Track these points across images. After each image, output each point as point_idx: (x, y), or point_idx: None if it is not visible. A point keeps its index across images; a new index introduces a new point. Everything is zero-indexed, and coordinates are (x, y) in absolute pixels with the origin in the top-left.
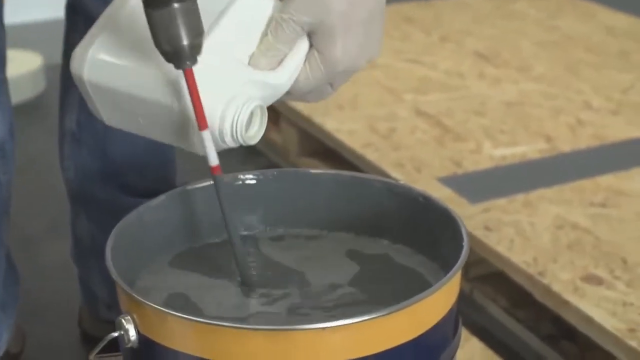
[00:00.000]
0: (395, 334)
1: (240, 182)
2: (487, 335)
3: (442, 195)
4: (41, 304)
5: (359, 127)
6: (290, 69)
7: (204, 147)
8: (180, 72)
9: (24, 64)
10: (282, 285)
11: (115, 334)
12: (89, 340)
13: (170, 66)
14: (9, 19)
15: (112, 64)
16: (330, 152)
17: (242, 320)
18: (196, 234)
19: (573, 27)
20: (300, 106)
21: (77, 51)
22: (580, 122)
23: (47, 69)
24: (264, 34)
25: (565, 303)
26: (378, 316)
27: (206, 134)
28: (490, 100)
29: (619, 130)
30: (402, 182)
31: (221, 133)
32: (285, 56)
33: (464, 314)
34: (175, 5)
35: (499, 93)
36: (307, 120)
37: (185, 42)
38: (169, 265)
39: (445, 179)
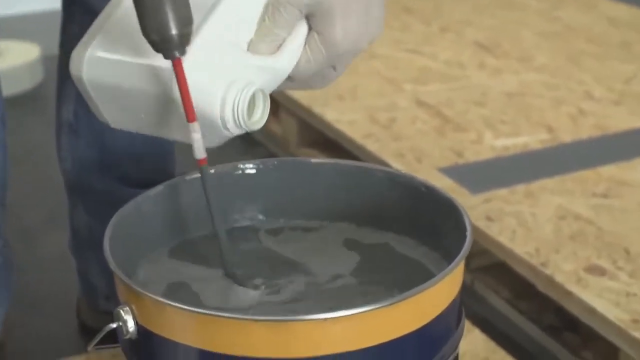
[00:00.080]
0: (398, 325)
1: (240, 172)
2: (489, 327)
3: (443, 185)
4: (39, 295)
5: (359, 117)
6: (290, 52)
7: (191, 139)
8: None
9: (21, 55)
10: (284, 276)
11: (114, 325)
12: (87, 332)
13: None
14: (7, 10)
15: (110, 61)
16: (330, 143)
17: (242, 311)
18: (195, 225)
19: (574, 17)
20: (300, 96)
21: (75, 52)
22: (582, 113)
23: (44, 60)
24: (262, 19)
25: (568, 294)
26: (380, 307)
27: (194, 126)
28: (491, 90)
29: (621, 121)
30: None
31: (223, 119)
32: (284, 40)
33: (466, 305)
34: None
35: (500, 83)
36: (307, 111)
37: (174, 31)
38: (168, 256)
39: (446, 169)
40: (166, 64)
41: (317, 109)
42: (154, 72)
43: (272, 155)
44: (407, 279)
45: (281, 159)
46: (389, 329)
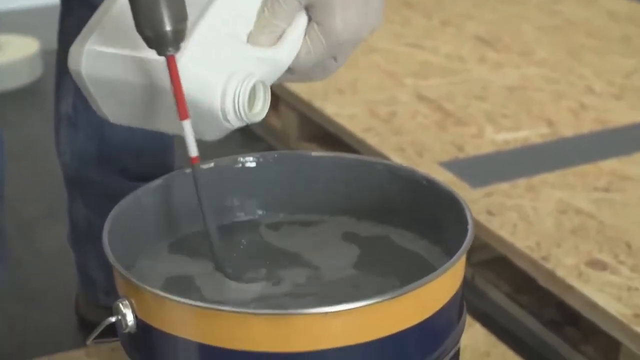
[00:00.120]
0: (400, 319)
1: (240, 165)
2: (490, 321)
3: (444, 179)
4: (38, 289)
5: (359, 111)
6: (290, 44)
7: (184, 137)
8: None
9: (20, 50)
10: (284, 269)
11: (113, 319)
12: (86, 326)
13: None
14: (6, 4)
15: (108, 55)
16: (330, 137)
17: (242, 304)
18: (195, 219)
19: (575, 11)
20: (300, 90)
21: (73, 47)
22: (583, 107)
23: (44, 54)
24: (261, 11)
25: (570, 288)
26: (382, 300)
27: (186, 124)
28: (491, 84)
29: (622, 115)
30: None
31: (224, 111)
32: (284, 32)
33: (466, 299)
34: None
35: (501, 77)
36: (307, 105)
37: (168, 27)
38: (168, 251)
39: (447, 164)
40: (163, 57)
41: (317, 102)
42: (152, 65)
43: (271, 149)
44: (407, 272)
45: (281, 152)
46: (390, 323)
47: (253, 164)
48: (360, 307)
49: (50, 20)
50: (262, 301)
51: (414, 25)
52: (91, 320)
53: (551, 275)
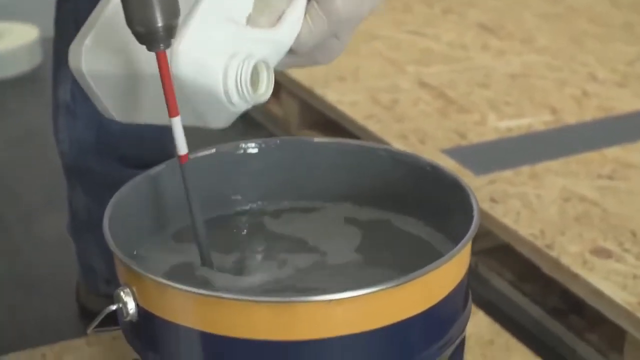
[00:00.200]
0: (405, 306)
1: (242, 151)
2: (493, 309)
3: (447, 166)
4: (38, 277)
5: (361, 98)
6: (290, 24)
7: (173, 134)
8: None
9: (20, 37)
10: (287, 256)
11: (114, 307)
12: (87, 315)
13: None
14: None
15: (109, 49)
16: (332, 124)
17: (244, 292)
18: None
19: None
20: (301, 77)
21: (72, 47)
22: (586, 94)
23: (43, 42)
24: None
25: (574, 276)
26: (387, 287)
27: (176, 121)
28: (494, 72)
29: (625, 102)
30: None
31: (227, 93)
32: (283, 12)
33: (469, 287)
34: None
35: (503, 65)
36: (308, 92)
37: (159, 23)
38: (172, 239)
39: (450, 151)
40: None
41: (319, 90)
42: (153, 56)
43: (272, 136)
44: (410, 259)
45: (284, 138)
46: (395, 311)
47: (255, 150)
48: (365, 294)
49: (50, 8)
50: (266, 286)
51: (416, 12)
52: (92, 309)
53: (556, 263)
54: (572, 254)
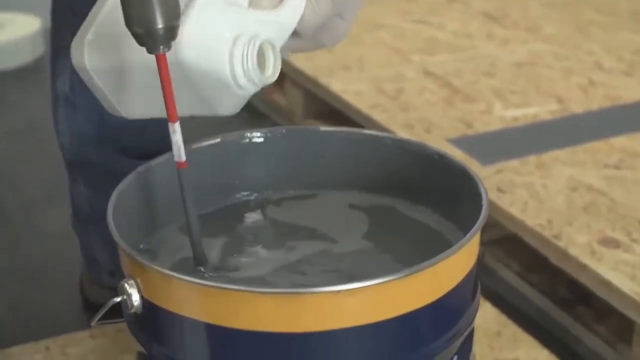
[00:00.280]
0: (414, 297)
1: (248, 140)
2: (500, 300)
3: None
4: (41, 270)
5: (366, 88)
6: (293, 5)
7: (171, 140)
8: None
9: (22, 28)
10: (295, 245)
11: (118, 299)
12: (90, 307)
13: None
14: None
15: (110, 43)
16: (336, 114)
17: (249, 283)
18: (203, 198)
19: None
20: (306, 67)
21: (74, 44)
22: (592, 83)
23: (45, 33)
24: None
25: (583, 267)
26: (396, 278)
27: (176, 126)
28: (499, 61)
29: (632, 92)
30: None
31: (234, 76)
32: None
33: None
34: None
35: (509, 54)
36: (313, 82)
37: (160, 25)
38: (178, 230)
39: (456, 140)
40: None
41: (323, 79)
42: None
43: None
44: (421, 248)
45: (289, 127)
46: (404, 302)
47: (261, 140)
48: (374, 285)
49: None
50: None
51: (420, 1)
52: (96, 301)
53: (563, 253)
54: (579, 244)
